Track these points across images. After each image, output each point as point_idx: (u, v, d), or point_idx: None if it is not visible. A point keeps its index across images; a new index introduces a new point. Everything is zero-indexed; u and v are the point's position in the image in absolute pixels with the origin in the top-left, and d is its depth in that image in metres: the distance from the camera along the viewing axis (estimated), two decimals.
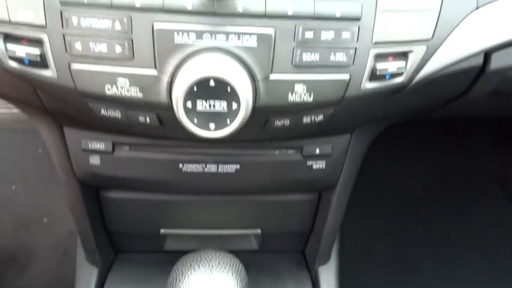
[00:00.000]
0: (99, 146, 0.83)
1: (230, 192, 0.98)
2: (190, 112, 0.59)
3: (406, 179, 1.88)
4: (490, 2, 0.68)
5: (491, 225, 1.81)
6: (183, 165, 0.85)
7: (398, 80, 0.68)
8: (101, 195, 0.98)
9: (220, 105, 0.59)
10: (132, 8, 0.57)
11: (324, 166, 0.89)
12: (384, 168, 1.83)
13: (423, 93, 0.76)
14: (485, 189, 1.91)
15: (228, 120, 0.59)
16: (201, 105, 0.58)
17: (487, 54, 0.78)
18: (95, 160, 0.84)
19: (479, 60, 0.78)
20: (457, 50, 0.70)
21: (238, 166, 0.87)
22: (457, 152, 1.95)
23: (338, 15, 0.60)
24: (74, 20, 0.58)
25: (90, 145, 0.83)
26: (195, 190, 0.96)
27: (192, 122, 0.59)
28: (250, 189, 0.95)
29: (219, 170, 0.86)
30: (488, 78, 0.83)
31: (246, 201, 1.02)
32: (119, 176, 0.88)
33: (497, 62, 0.80)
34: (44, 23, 0.58)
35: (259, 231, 1.08)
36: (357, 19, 0.61)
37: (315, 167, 0.89)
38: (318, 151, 0.87)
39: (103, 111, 0.67)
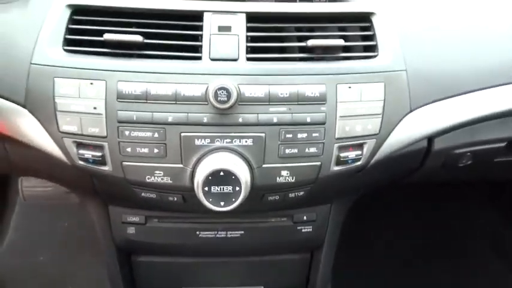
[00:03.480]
0: (135, 219, 1.07)
1: (237, 254, 1.20)
2: (207, 194, 0.81)
3: (397, 245, 1.86)
4: (420, 107, 0.90)
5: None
6: (199, 232, 1.09)
7: (358, 163, 0.90)
8: (132, 259, 1.21)
9: (228, 188, 0.81)
10: (165, 123, 0.82)
11: (311, 229, 1.12)
12: (375, 235, 1.85)
13: (382, 169, 0.98)
14: (479, 250, 1.89)
15: (233, 198, 0.82)
16: (214, 189, 0.81)
17: (430, 138, 1.00)
18: (131, 230, 1.08)
19: (424, 144, 1.00)
20: (401, 139, 0.92)
21: (242, 232, 1.10)
22: (447, 215, 1.95)
23: (308, 121, 0.84)
24: (126, 132, 0.83)
25: (128, 218, 1.07)
26: (209, 253, 1.18)
27: (208, 201, 0.82)
28: (253, 250, 1.17)
29: (228, 235, 1.09)
30: (434, 157, 1.04)
31: (250, 261, 1.24)
32: (149, 242, 1.11)
33: (439, 144, 1.02)
34: (106, 135, 0.83)
35: (262, 287, 1.28)
36: (323, 123, 0.85)
37: (304, 230, 1.11)
38: (305, 218, 1.10)
39: (143, 194, 0.91)
